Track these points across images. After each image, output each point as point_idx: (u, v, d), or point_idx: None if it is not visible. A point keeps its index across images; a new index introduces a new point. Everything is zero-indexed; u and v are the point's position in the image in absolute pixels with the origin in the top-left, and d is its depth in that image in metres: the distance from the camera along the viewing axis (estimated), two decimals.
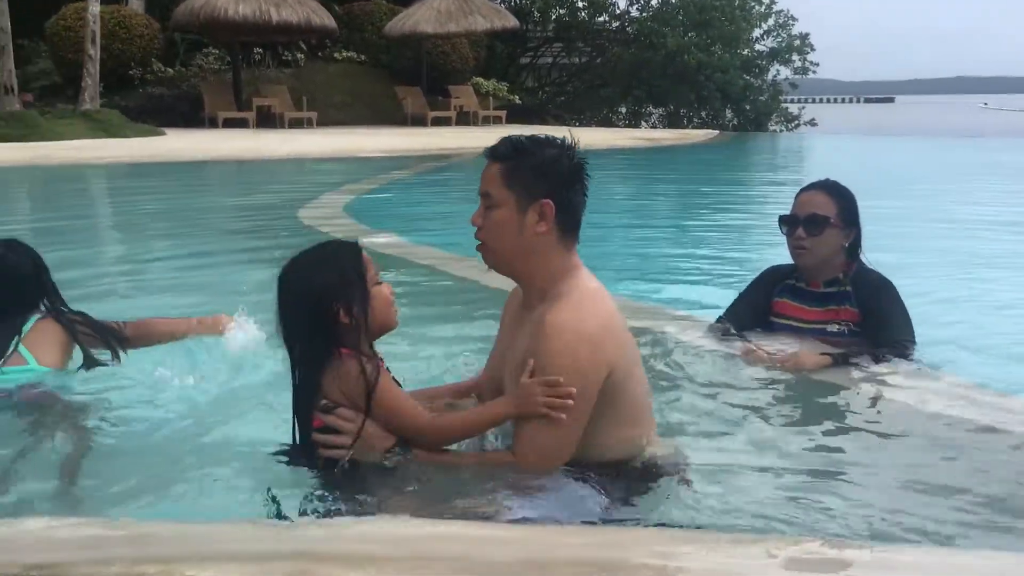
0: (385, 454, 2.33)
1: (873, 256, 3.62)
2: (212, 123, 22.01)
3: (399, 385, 2.47)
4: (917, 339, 3.46)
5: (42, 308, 3.34)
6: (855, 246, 3.56)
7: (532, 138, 2.36)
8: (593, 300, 2.31)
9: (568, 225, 2.34)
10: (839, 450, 2.79)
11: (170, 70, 23.94)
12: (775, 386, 3.26)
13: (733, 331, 3.65)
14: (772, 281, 3.76)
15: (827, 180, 3.62)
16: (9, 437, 2.84)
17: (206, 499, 2.45)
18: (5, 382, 3.11)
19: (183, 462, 2.66)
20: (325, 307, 2.34)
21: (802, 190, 3.61)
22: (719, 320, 3.80)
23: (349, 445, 2.31)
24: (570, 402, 2.22)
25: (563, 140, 2.35)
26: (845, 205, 3.53)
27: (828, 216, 3.48)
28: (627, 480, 2.32)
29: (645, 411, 2.46)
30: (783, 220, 3.58)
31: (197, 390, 3.18)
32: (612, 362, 2.25)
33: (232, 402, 3.11)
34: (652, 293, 5.25)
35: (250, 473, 2.50)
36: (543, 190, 2.29)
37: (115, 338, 3.38)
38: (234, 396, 3.16)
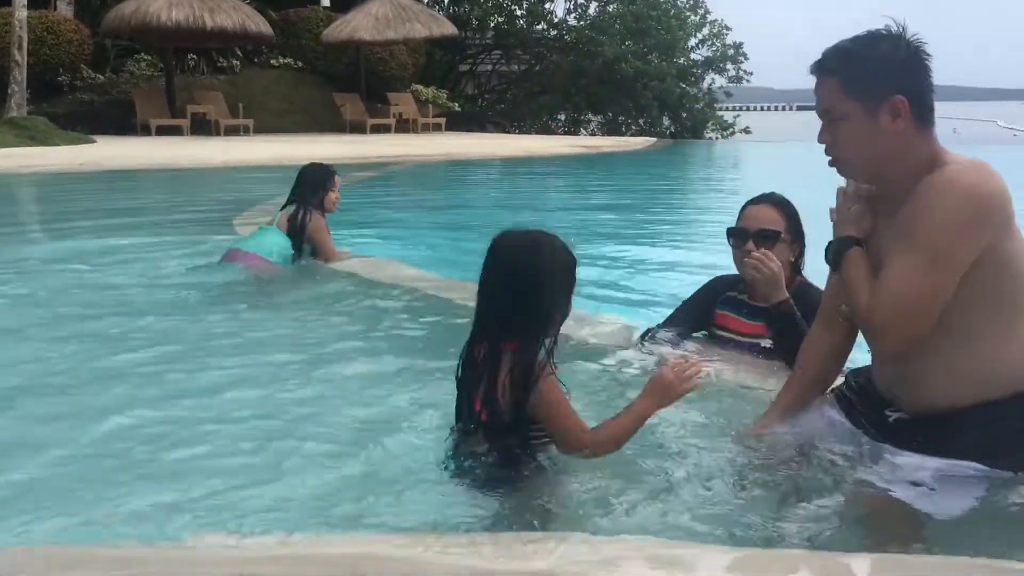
0: None
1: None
2: (144, 130, 21.56)
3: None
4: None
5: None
6: (799, 260, 3.52)
7: (858, 39, 2.29)
8: (987, 166, 2.18)
9: (924, 113, 2.26)
10: None
11: (100, 76, 23.36)
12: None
13: (664, 339, 3.62)
14: (716, 292, 3.72)
15: (774, 194, 3.56)
16: None
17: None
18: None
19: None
20: (552, 300, 2.39)
21: (750, 203, 3.53)
22: (659, 327, 3.76)
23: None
24: (707, 369, 2.25)
25: (892, 30, 2.25)
26: (793, 219, 3.49)
27: (779, 231, 3.41)
28: None
29: None
30: (732, 233, 3.50)
31: None
32: (994, 234, 2.13)
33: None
34: (594, 299, 5.27)
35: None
36: (891, 87, 2.23)
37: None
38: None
